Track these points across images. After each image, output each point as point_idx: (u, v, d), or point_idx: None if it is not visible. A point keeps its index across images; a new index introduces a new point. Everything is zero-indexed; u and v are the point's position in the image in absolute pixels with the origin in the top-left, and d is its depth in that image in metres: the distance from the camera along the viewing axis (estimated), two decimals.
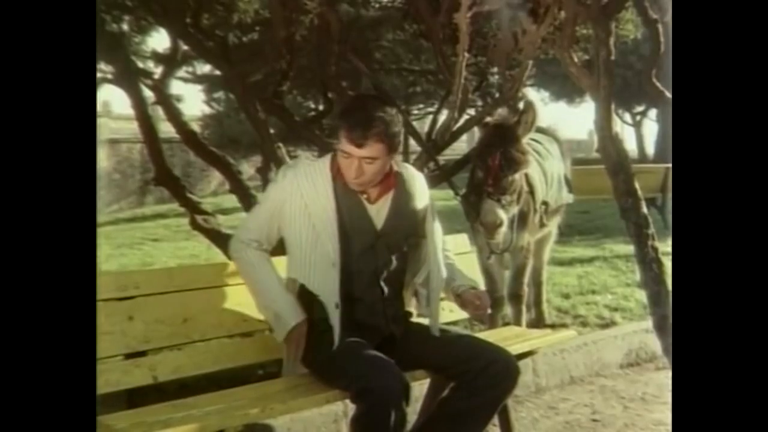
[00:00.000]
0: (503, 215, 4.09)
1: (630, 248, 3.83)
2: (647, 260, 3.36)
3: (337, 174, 2.86)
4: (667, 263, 3.27)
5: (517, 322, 4.62)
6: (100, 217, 13.45)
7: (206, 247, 7.47)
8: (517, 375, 2.88)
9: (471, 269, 3.66)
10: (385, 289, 2.93)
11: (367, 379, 2.63)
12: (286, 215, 2.87)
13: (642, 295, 4.29)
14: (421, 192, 3.05)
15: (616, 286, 6.21)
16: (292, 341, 2.87)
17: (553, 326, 5.05)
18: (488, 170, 4.11)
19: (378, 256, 2.91)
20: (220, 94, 15.81)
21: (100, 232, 10.09)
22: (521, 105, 4.44)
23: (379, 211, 2.91)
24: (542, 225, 4.76)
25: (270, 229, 2.92)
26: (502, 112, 4.50)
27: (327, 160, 2.93)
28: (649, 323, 3.68)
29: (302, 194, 2.84)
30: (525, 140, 4.28)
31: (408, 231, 3.01)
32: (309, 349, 2.87)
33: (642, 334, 4.93)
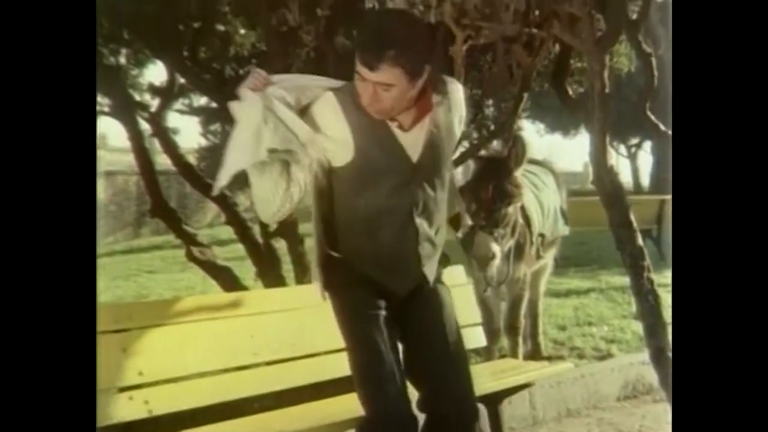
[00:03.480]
0: (496, 248, 4.10)
1: (626, 280, 3.83)
2: (643, 292, 3.35)
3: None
4: (663, 295, 3.28)
5: (514, 354, 4.61)
6: (96, 249, 13.40)
7: (202, 279, 7.44)
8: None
9: (467, 301, 3.65)
10: (423, 226, 2.57)
11: (373, 406, 2.49)
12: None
13: (638, 327, 4.29)
14: (460, 108, 2.65)
15: (613, 317, 6.20)
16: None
17: (549, 358, 5.03)
18: (481, 203, 4.13)
19: (414, 191, 2.54)
20: (216, 126, 15.82)
21: (97, 263, 10.04)
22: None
23: (415, 140, 2.52)
24: (539, 257, 4.77)
25: None
26: (495, 145, 4.54)
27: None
28: (645, 355, 3.67)
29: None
30: (518, 173, 4.30)
31: (448, 156, 2.66)
32: (332, 271, 2.63)
33: (639, 366, 4.91)
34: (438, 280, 2.71)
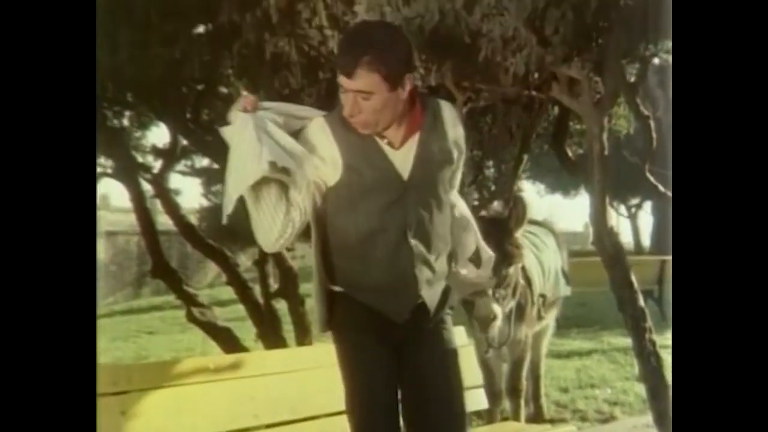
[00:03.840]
0: (497, 309, 4.09)
1: (628, 341, 3.82)
2: (645, 353, 3.34)
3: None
4: (666, 356, 3.26)
5: (516, 416, 4.56)
6: (96, 310, 13.36)
7: (202, 340, 7.40)
8: None
9: (469, 363, 3.63)
10: (418, 248, 2.49)
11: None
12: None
13: (641, 389, 4.25)
14: (454, 126, 2.58)
15: (615, 379, 6.15)
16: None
17: (552, 421, 4.99)
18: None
19: (407, 210, 2.48)
20: (218, 187, 15.86)
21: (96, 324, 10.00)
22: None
23: (406, 157, 2.48)
24: (540, 318, 4.75)
25: None
26: (496, 206, 4.55)
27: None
28: (649, 418, 3.64)
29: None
30: (519, 234, 4.31)
31: (445, 176, 2.57)
32: (332, 309, 2.59)
33: (642, 430, 4.86)
34: (443, 321, 2.63)
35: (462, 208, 2.79)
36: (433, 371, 2.56)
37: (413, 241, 2.48)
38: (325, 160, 2.45)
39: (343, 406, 2.58)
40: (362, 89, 2.34)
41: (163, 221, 6.15)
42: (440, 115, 2.55)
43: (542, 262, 4.76)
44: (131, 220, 6.74)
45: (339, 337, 2.59)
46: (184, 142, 5.71)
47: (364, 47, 2.33)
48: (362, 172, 2.45)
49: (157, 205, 6.03)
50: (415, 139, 2.48)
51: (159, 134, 6.49)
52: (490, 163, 6.54)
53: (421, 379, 2.55)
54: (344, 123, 2.43)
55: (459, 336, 3.76)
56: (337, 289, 2.57)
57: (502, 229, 4.25)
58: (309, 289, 2.84)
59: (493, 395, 4.37)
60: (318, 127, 2.47)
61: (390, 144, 2.46)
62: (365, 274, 2.51)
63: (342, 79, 2.35)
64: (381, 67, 2.32)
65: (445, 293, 2.63)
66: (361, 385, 2.51)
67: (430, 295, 2.56)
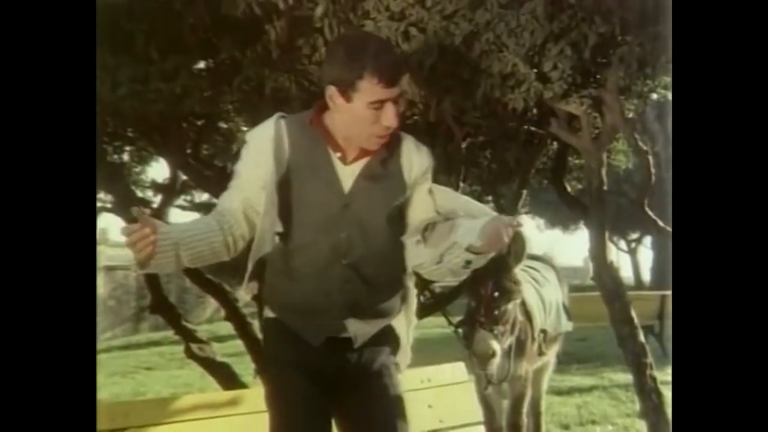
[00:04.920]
0: (496, 346, 4.06)
1: (629, 377, 3.79)
2: (646, 390, 3.32)
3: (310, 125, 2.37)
4: (667, 393, 3.24)
5: None
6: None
7: (200, 376, 7.37)
8: None
9: (468, 399, 3.61)
10: (348, 272, 2.36)
11: None
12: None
13: (643, 426, 4.22)
14: (410, 158, 2.46)
15: (616, 416, 6.11)
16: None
17: None
18: (480, 300, 4.11)
19: (342, 227, 2.36)
20: None
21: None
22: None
23: (352, 173, 2.37)
24: (541, 353, 4.72)
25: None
26: None
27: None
28: None
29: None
30: (518, 269, 4.30)
31: (391, 207, 2.42)
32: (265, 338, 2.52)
33: None
34: (384, 366, 2.46)
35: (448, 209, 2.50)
36: (368, 421, 2.41)
37: (344, 262, 2.36)
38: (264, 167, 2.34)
39: None
40: (402, 91, 2.28)
41: None
42: (400, 142, 2.44)
43: (543, 297, 4.74)
44: (130, 254, 6.74)
45: (268, 372, 2.47)
46: (184, 177, 5.73)
47: (393, 52, 2.34)
48: (306, 177, 2.35)
49: None
50: (367, 159, 2.38)
51: (159, 169, 6.52)
52: (489, 197, 6.57)
53: (353, 427, 2.42)
54: (302, 127, 2.36)
55: (459, 372, 3.75)
56: (269, 314, 2.48)
57: (500, 265, 4.24)
58: None
59: None
60: (270, 127, 2.36)
61: (342, 158, 2.37)
62: (291, 292, 2.40)
63: (383, 92, 2.21)
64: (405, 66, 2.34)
65: (384, 334, 2.48)
66: (287, 426, 2.36)
67: (357, 326, 2.40)
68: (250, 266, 2.42)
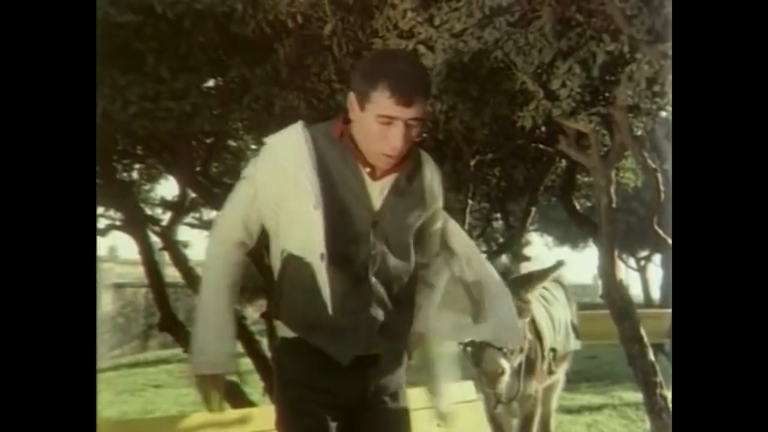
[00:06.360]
0: (505, 364, 4.04)
1: (639, 396, 3.77)
2: (656, 409, 3.30)
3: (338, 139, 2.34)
4: None
5: None
6: (102, 363, 13.34)
7: None
8: None
9: (478, 418, 3.59)
10: (377, 287, 2.34)
11: None
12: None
13: None
14: (432, 177, 2.47)
15: None
16: (204, 384, 2.38)
17: None
18: None
19: (373, 244, 2.33)
20: None
21: (102, 377, 9.98)
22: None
23: (382, 190, 2.34)
24: (551, 372, 4.70)
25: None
26: (504, 259, 4.53)
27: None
28: None
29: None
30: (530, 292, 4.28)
31: (412, 227, 2.43)
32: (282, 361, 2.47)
33: None
34: (395, 396, 2.44)
35: (481, 271, 2.58)
36: None
37: (374, 279, 2.33)
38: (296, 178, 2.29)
39: None
40: (417, 116, 2.20)
41: (171, 273, 6.15)
42: (421, 161, 2.45)
43: (553, 315, 4.72)
44: (139, 272, 6.75)
45: (282, 395, 2.42)
46: (193, 194, 5.74)
47: (419, 75, 2.25)
48: (338, 193, 2.30)
49: (165, 258, 6.04)
50: (395, 176, 2.35)
51: (168, 187, 6.54)
52: (498, 215, 6.57)
53: None
54: (330, 139, 2.32)
55: (468, 391, 3.73)
56: (285, 333, 2.41)
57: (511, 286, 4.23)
58: None
59: None
60: (298, 135, 2.31)
61: (371, 174, 2.32)
62: (317, 310, 2.31)
63: (396, 110, 2.17)
64: (429, 94, 2.28)
65: (401, 353, 2.48)
66: None
67: (386, 347, 2.38)
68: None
